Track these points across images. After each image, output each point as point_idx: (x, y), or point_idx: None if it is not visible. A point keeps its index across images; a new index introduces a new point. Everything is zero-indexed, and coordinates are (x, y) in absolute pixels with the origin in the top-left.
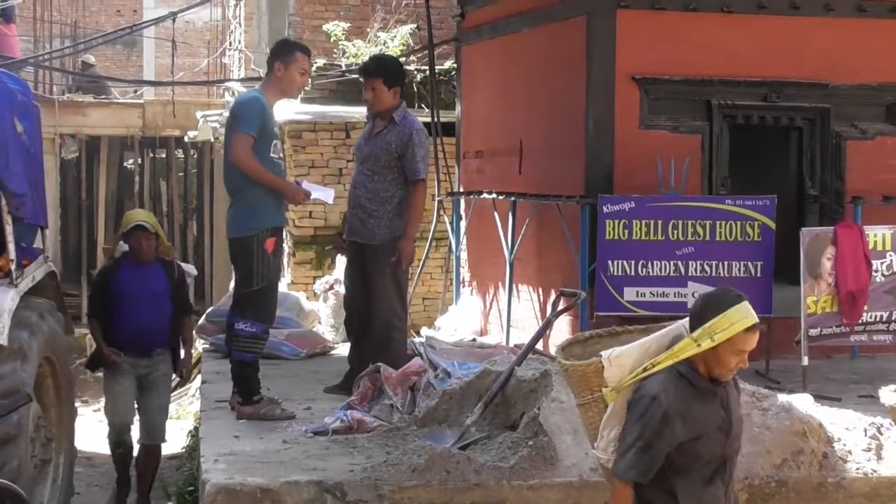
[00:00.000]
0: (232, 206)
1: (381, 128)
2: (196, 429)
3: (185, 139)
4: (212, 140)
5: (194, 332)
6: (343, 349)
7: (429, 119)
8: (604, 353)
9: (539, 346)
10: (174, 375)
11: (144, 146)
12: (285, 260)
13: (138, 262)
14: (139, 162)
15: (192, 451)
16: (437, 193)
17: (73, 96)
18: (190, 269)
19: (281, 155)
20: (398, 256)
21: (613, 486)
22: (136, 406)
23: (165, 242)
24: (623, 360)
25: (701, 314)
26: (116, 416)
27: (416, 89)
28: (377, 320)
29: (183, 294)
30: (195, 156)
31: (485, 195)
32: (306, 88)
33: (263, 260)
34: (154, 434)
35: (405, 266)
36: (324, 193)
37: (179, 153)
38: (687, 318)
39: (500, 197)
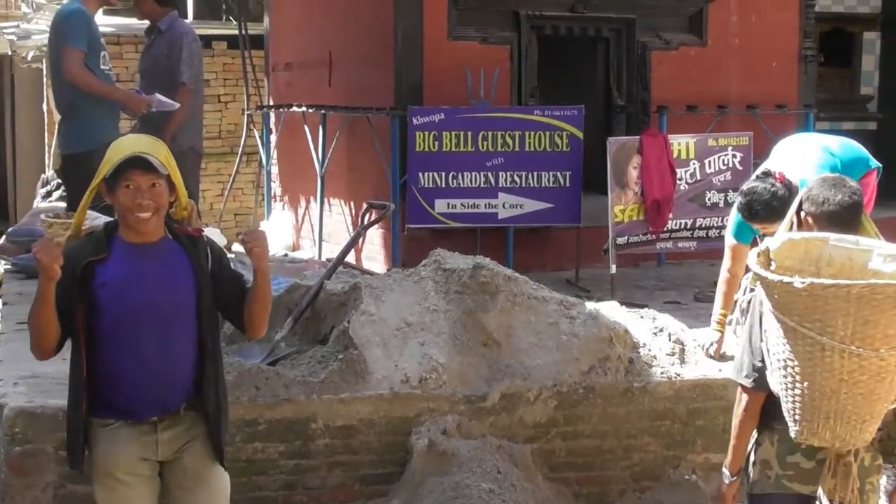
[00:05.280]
0: (65, 121)
1: (152, 40)
2: None
3: None
4: (9, 53)
5: None
6: None
7: (236, 32)
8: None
9: (351, 259)
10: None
11: None
12: None
13: (140, 240)
14: None
15: None
16: (246, 107)
17: None
18: (216, 235)
19: (110, 66)
20: None
21: None
22: None
23: (185, 198)
24: None
25: None
26: None
27: (222, 0)
28: None
29: (238, 285)
30: None
31: (294, 108)
32: None
33: None
34: None
35: None
36: (168, 104)
37: None
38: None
39: (310, 110)
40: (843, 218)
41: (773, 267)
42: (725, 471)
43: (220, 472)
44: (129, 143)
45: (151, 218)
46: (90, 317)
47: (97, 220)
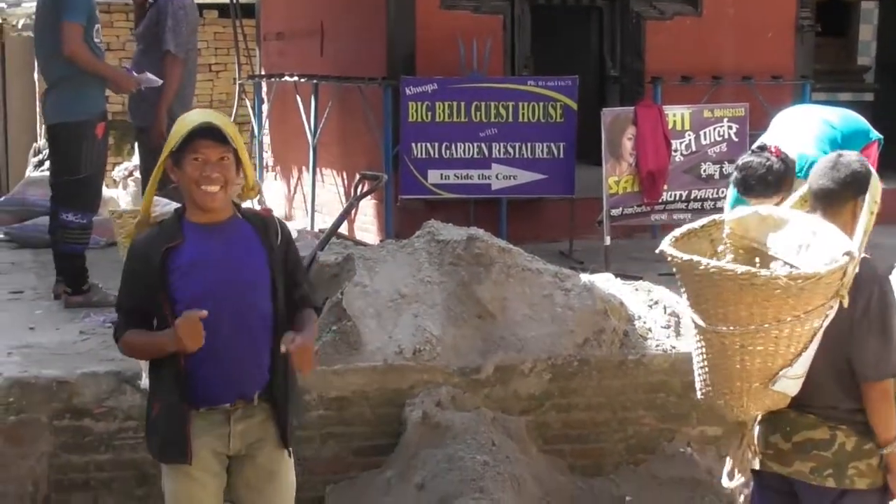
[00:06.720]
0: (53, 91)
1: (147, 8)
2: None
3: None
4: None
5: None
6: None
7: (227, 0)
8: (845, 248)
9: (343, 229)
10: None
11: None
12: None
13: (208, 220)
14: None
15: None
16: (237, 77)
17: None
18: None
19: (101, 38)
20: (150, 135)
21: (881, 388)
22: None
23: (252, 177)
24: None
25: (865, 179)
26: None
27: None
28: None
29: (297, 277)
30: None
31: (286, 78)
32: None
33: (93, 146)
34: None
35: (154, 143)
36: (154, 82)
37: None
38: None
39: (302, 80)
40: (817, 197)
41: (726, 233)
42: None
43: (290, 469)
44: (196, 116)
45: (219, 193)
46: (165, 306)
47: (167, 206)
